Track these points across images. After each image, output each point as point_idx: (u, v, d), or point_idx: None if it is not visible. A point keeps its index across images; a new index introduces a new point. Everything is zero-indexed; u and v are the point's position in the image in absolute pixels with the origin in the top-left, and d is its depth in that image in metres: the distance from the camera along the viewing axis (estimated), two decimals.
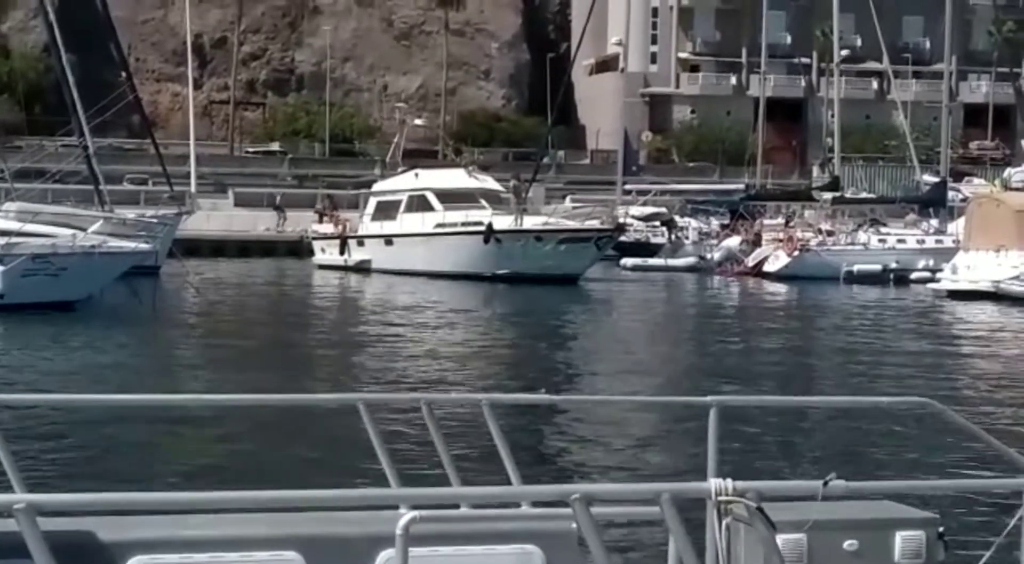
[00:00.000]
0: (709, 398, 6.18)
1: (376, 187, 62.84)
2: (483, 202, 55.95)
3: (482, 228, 53.95)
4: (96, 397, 9.86)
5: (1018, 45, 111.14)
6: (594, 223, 56.35)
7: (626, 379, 25.16)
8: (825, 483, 4.95)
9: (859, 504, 5.74)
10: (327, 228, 64.07)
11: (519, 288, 49.25)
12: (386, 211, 59.12)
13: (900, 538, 5.66)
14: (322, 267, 60.63)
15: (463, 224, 55.00)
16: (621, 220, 61.99)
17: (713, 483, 4.85)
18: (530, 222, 55.65)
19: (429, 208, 56.54)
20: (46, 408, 15.32)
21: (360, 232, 60.76)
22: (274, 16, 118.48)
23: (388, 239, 58.16)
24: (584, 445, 17.06)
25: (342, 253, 60.48)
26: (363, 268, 58.61)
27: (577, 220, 57.64)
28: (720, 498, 4.84)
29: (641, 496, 5.14)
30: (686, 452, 15.87)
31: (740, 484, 4.84)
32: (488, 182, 58.64)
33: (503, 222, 54.53)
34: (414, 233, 56.39)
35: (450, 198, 56.11)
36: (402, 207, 57.99)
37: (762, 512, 4.87)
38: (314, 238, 64.41)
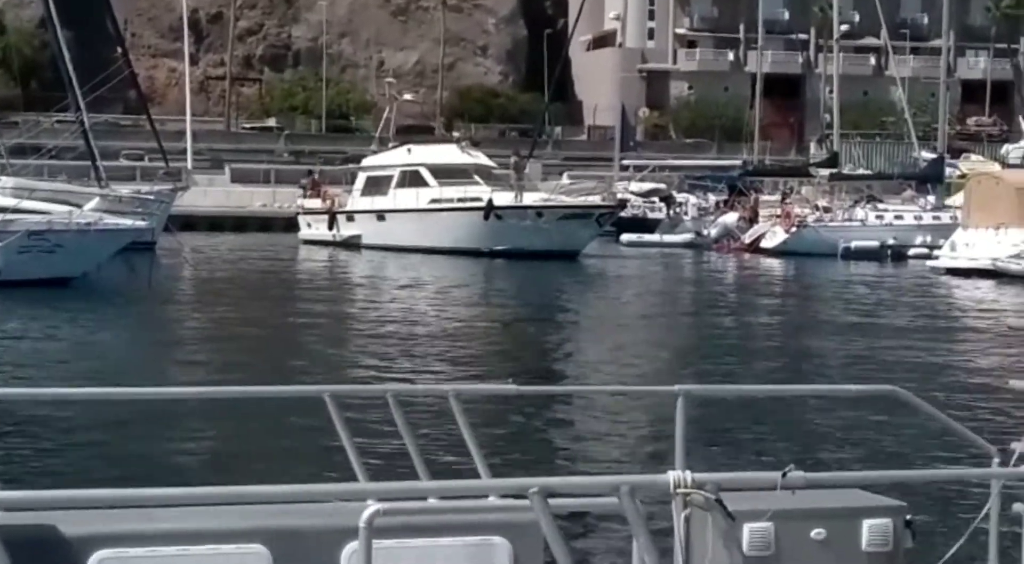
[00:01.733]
0: (676, 387, 6.16)
1: (366, 162, 62.59)
2: (477, 178, 55.95)
3: (481, 204, 53.91)
4: (53, 391, 9.79)
5: (1016, 21, 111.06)
6: (595, 199, 56.30)
7: (620, 357, 25.12)
8: (784, 474, 4.94)
9: (826, 493, 5.72)
10: (315, 203, 63.79)
11: (519, 263, 49.28)
12: (377, 186, 58.94)
13: (867, 526, 5.64)
14: (308, 242, 60.44)
15: (460, 200, 54.93)
16: (621, 196, 62.01)
17: (672, 475, 4.85)
18: (529, 198, 55.65)
19: (423, 184, 56.40)
20: (7, 403, 15.17)
21: (349, 207, 60.53)
22: None
23: (380, 214, 57.97)
24: (552, 436, 17.08)
25: (331, 228, 60.28)
26: (353, 243, 58.44)
27: (575, 196, 57.54)
28: (679, 490, 4.85)
29: (600, 489, 5.16)
30: (655, 441, 15.89)
31: (699, 476, 4.85)
32: (480, 158, 58.63)
33: (503, 198, 54.53)
34: (410, 208, 56.26)
35: (444, 174, 56.02)
36: (394, 182, 57.83)
37: (720, 503, 4.91)
38: (300, 213, 64.19)
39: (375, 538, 4.82)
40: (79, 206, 37.59)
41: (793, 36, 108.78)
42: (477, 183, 55.56)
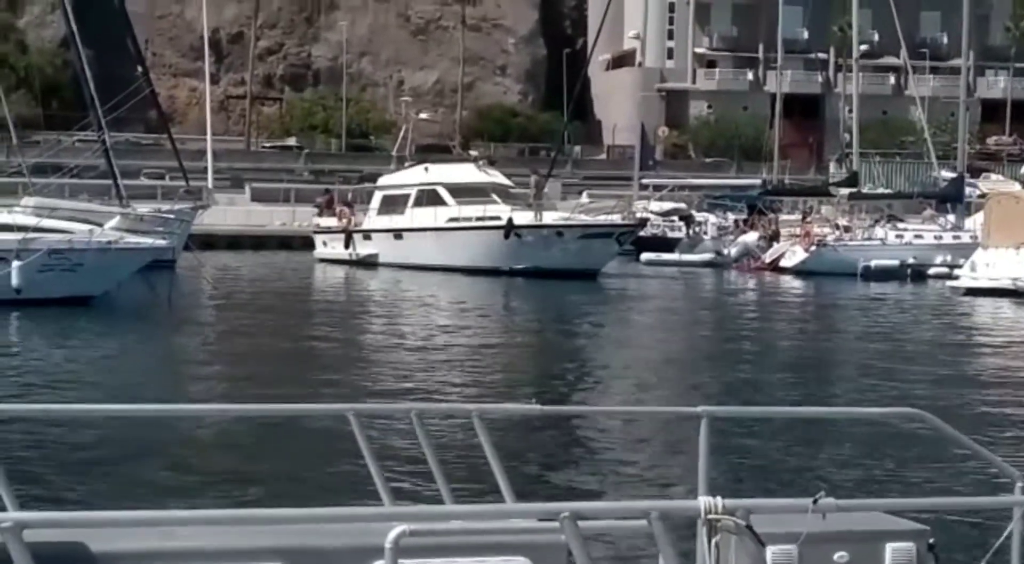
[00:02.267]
0: (699, 408, 6.14)
1: (382, 181, 62.58)
2: (495, 196, 56.06)
3: (500, 223, 53.96)
4: (79, 407, 9.82)
5: None
6: (615, 218, 56.27)
7: (642, 377, 25.11)
8: (815, 501, 4.96)
9: (849, 516, 5.71)
10: (330, 222, 63.76)
11: (538, 282, 49.30)
12: (393, 205, 58.98)
13: (890, 550, 5.65)
14: (323, 261, 60.43)
15: (479, 219, 55.00)
16: (641, 215, 62.02)
17: (702, 501, 4.87)
18: (549, 217, 55.73)
19: (441, 202, 56.46)
20: (31, 420, 15.17)
21: (366, 226, 60.56)
22: (291, 11, 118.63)
23: (397, 233, 58.03)
24: (575, 457, 17.00)
25: (347, 247, 60.30)
26: (370, 262, 58.47)
27: (594, 215, 57.54)
28: (709, 516, 4.86)
29: (630, 513, 5.17)
30: (678, 463, 15.84)
31: (729, 502, 4.87)
32: (498, 176, 58.74)
33: (522, 217, 54.65)
34: (428, 227, 56.30)
35: (462, 193, 56.11)
36: (411, 201, 57.88)
37: (751, 530, 4.92)
38: (316, 232, 64.17)
39: (400, 558, 4.83)
40: (100, 225, 37.69)
41: (812, 55, 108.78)
42: (495, 202, 55.64)
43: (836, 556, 5.55)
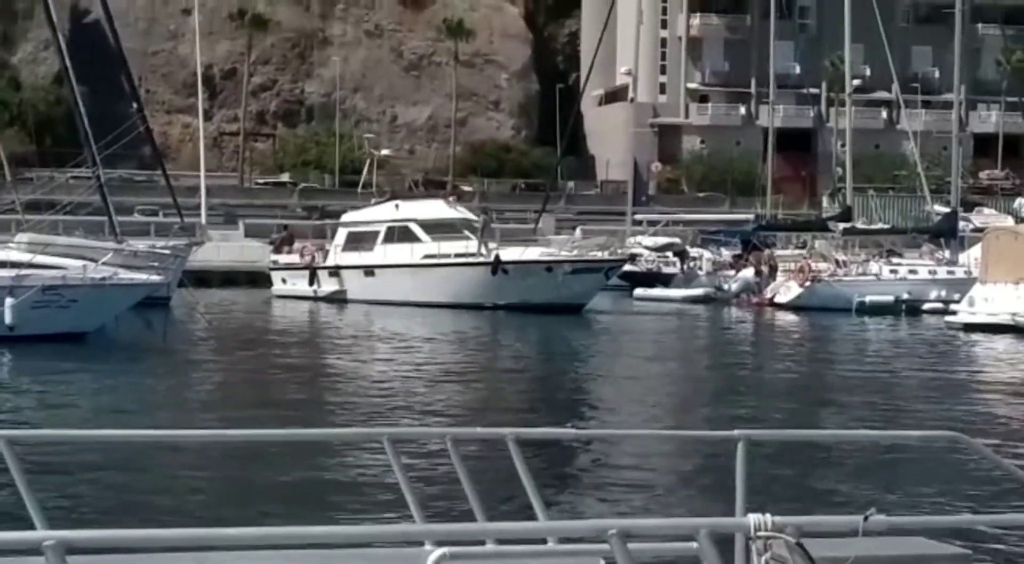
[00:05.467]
0: (736, 432, 6.09)
1: (346, 218, 62.51)
2: (467, 232, 56.51)
3: (485, 258, 54.34)
4: (116, 433, 9.78)
5: None
6: (599, 254, 56.59)
7: (646, 412, 25.04)
8: (865, 518, 4.89)
9: (892, 540, 5.64)
10: (291, 258, 63.29)
11: (524, 317, 49.27)
12: (360, 242, 58.98)
13: None
14: (282, 297, 60.01)
15: (458, 255, 55.26)
16: (632, 250, 62.20)
17: (752, 518, 4.80)
18: (534, 252, 56.22)
19: (414, 239, 56.66)
20: (62, 444, 15.18)
21: (331, 262, 60.32)
22: (283, 47, 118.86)
23: (368, 270, 58.00)
24: (611, 480, 16.88)
25: (311, 284, 60.09)
26: (336, 299, 58.27)
27: (584, 250, 57.82)
28: (759, 533, 4.78)
29: (678, 531, 5.12)
30: (714, 487, 15.66)
31: (779, 519, 4.80)
32: (466, 213, 59.40)
33: (509, 253, 55.03)
34: (404, 263, 56.32)
35: (434, 229, 56.46)
36: (380, 238, 57.97)
37: (802, 548, 4.82)
38: (273, 269, 63.57)
39: None
40: (94, 261, 37.53)
41: (804, 90, 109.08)
42: (467, 237, 56.22)
43: None
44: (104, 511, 14.31)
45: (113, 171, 56.53)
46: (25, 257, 36.33)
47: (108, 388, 27.41)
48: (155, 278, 38.27)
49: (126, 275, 37.09)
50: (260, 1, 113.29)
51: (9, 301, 34.18)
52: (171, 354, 34.55)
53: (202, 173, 67.94)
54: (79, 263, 37.16)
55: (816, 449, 17.88)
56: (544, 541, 5.74)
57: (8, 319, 34.04)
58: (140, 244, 48.09)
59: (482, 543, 5.37)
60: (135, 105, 53.12)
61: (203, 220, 63.66)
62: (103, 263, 37.18)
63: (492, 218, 61.48)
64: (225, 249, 72.65)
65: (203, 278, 56.52)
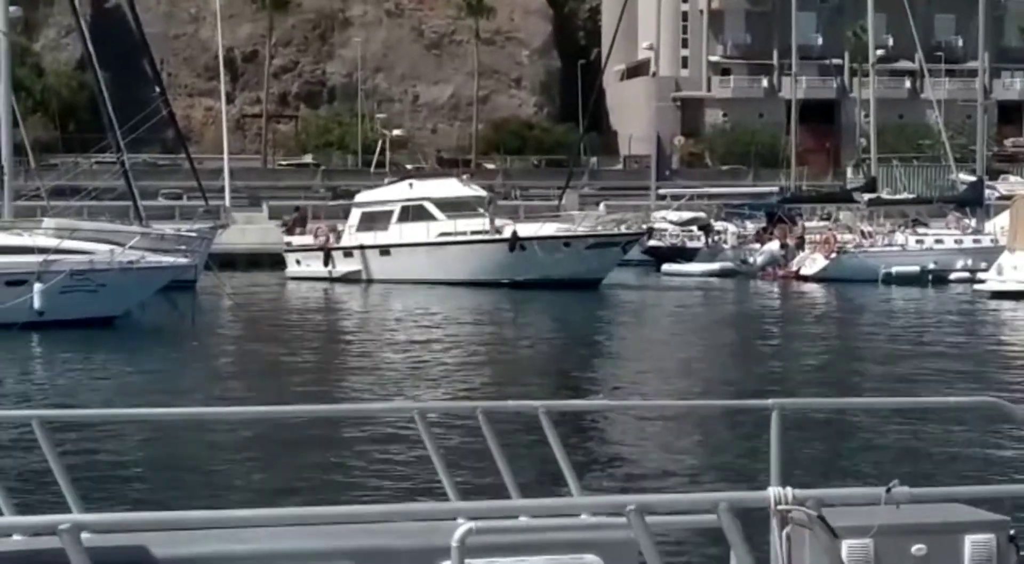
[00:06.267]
0: (770, 401, 6.03)
1: (360, 198, 62.46)
2: (480, 210, 56.64)
3: (502, 235, 54.51)
4: (147, 411, 9.82)
5: None
6: (613, 227, 56.97)
7: (680, 383, 25.05)
8: (888, 489, 4.86)
9: (926, 508, 5.56)
10: (304, 239, 63.21)
11: (542, 293, 49.30)
12: (374, 222, 58.97)
13: (969, 542, 5.49)
14: (296, 279, 59.96)
15: (473, 232, 55.35)
16: (647, 224, 62.20)
17: (772, 491, 4.79)
18: (551, 228, 56.49)
19: (429, 217, 56.78)
20: (93, 423, 15.29)
21: (345, 243, 60.36)
22: (304, 29, 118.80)
23: (384, 249, 58.10)
24: (644, 452, 16.86)
25: (326, 265, 60.11)
26: (351, 279, 58.29)
27: (606, 226, 57.98)
28: (780, 506, 4.78)
29: (699, 506, 5.11)
30: (748, 457, 15.64)
31: (800, 492, 4.79)
32: (478, 191, 59.57)
33: (527, 229, 55.45)
34: (420, 242, 56.43)
35: (449, 207, 56.61)
36: (395, 217, 58.05)
37: (823, 520, 4.82)
38: (287, 250, 63.47)
39: (467, 558, 4.75)
40: (121, 245, 37.58)
41: (827, 61, 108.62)
42: (482, 215, 56.41)
43: (914, 549, 5.39)
44: (138, 489, 14.39)
45: (137, 155, 56.65)
46: (52, 242, 36.30)
47: (140, 371, 27.54)
48: (182, 261, 38.37)
49: (153, 259, 37.18)
50: None
51: (38, 286, 34.30)
52: (200, 336, 34.64)
53: (225, 156, 68.00)
54: (106, 248, 37.17)
55: (851, 418, 17.75)
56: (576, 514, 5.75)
57: (37, 304, 34.15)
58: (165, 227, 48.22)
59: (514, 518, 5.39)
60: (157, 89, 53.28)
61: (227, 203, 63.77)
62: (130, 247, 37.25)
63: (493, 198, 61.68)
64: (249, 231, 72.77)
65: (229, 261, 56.57)
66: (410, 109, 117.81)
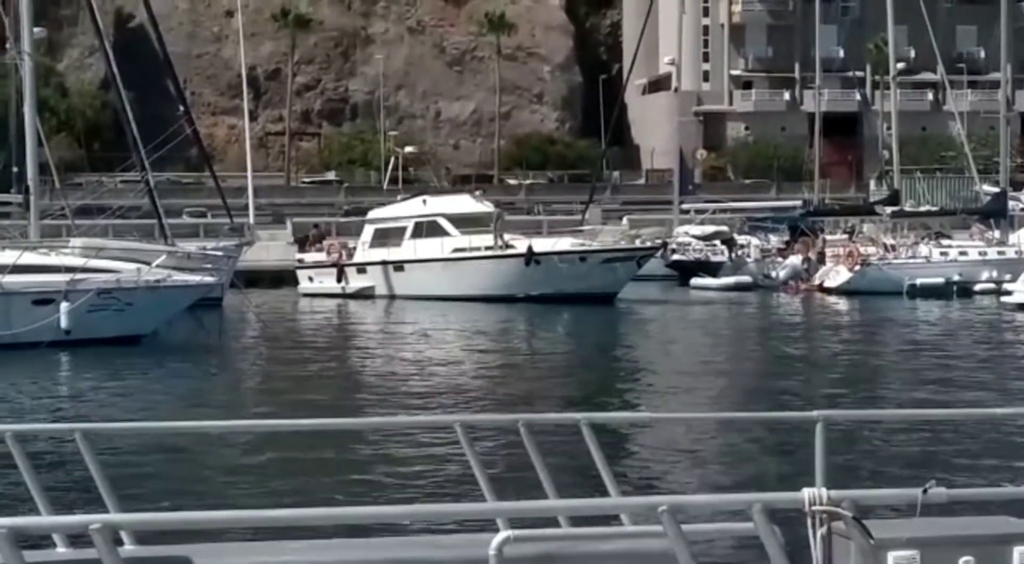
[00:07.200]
0: (815, 413, 6.04)
1: (373, 214, 62.51)
2: (492, 226, 56.82)
3: (517, 251, 54.50)
4: (188, 424, 9.90)
5: None
6: (624, 242, 57.10)
7: (718, 396, 25.04)
8: (924, 490, 4.82)
9: (974, 519, 5.54)
10: (318, 256, 63.20)
11: (556, 308, 49.27)
12: (388, 238, 59.05)
13: (1018, 553, 5.41)
14: (308, 295, 59.94)
15: (487, 248, 55.43)
16: (661, 239, 62.19)
17: (807, 492, 4.75)
18: (565, 243, 56.65)
19: (443, 233, 56.86)
20: (134, 435, 15.35)
21: (358, 259, 60.37)
22: (327, 46, 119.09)
23: (398, 265, 58.15)
24: (687, 465, 16.78)
25: (339, 281, 60.13)
26: (365, 295, 58.28)
27: (632, 240, 58.10)
28: (814, 508, 4.73)
29: (732, 506, 5.10)
30: (791, 468, 15.56)
31: (835, 493, 4.74)
32: (491, 207, 59.80)
33: (542, 244, 55.72)
34: (434, 258, 56.46)
35: (462, 223, 56.69)
36: (408, 233, 58.11)
37: (858, 521, 4.77)
38: (299, 267, 63.34)
39: None
40: (147, 263, 37.70)
41: (849, 74, 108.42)
42: (493, 231, 56.44)
43: (961, 560, 5.31)
44: (179, 500, 14.45)
45: (161, 174, 56.71)
46: (79, 261, 36.44)
47: (170, 389, 27.64)
48: (209, 279, 38.45)
49: (180, 277, 37.27)
50: (302, 1, 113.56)
51: (65, 305, 34.41)
52: (228, 354, 34.72)
53: (249, 173, 68.09)
54: (133, 266, 37.29)
55: (895, 429, 17.59)
56: (616, 518, 5.74)
57: (64, 323, 34.26)
58: (190, 246, 48.34)
59: (553, 520, 5.38)
60: (181, 108, 53.35)
61: (251, 220, 63.81)
62: (156, 265, 37.37)
63: (501, 213, 61.84)
64: (273, 248, 72.89)
65: (254, 278, 56.64)
66: (432, 125, 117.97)
